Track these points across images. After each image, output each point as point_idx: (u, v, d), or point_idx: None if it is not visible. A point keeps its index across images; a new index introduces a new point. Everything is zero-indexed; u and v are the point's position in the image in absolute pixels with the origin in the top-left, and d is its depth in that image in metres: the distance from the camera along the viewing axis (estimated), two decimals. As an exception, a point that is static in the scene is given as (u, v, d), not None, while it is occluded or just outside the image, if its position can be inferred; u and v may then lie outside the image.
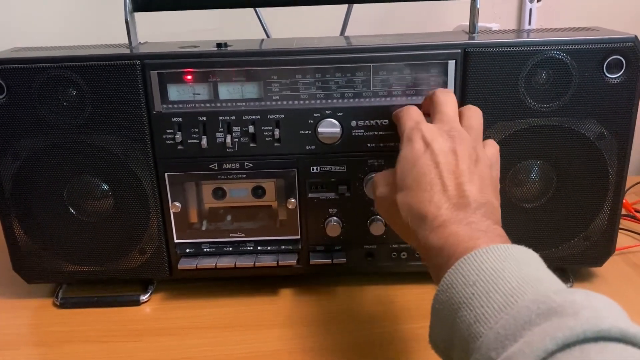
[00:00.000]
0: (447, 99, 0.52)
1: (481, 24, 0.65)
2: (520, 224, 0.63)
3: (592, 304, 0.32)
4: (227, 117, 0.61)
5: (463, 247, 0.40)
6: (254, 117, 0.61)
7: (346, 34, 0.84)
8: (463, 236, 0.41)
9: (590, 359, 0.29)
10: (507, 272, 0.37)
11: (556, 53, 0.58)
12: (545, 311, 0.33)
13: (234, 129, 0.61)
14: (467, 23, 0.64)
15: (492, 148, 0.52)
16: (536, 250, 0.41)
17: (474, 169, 0.47)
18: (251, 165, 0.63)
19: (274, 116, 0.61)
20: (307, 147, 0.62)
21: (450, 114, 0.51)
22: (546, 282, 0.37)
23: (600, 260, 0.66)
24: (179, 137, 0.61)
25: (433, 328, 0.42)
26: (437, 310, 0.40)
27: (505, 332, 0.33)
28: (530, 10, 0.95)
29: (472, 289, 0.37)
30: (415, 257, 0.66)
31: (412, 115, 0.52)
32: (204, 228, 0.66)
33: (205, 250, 0.66)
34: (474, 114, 0.52)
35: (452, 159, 0.47)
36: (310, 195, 0.64)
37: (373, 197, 0.55)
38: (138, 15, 0.64)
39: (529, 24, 0.96)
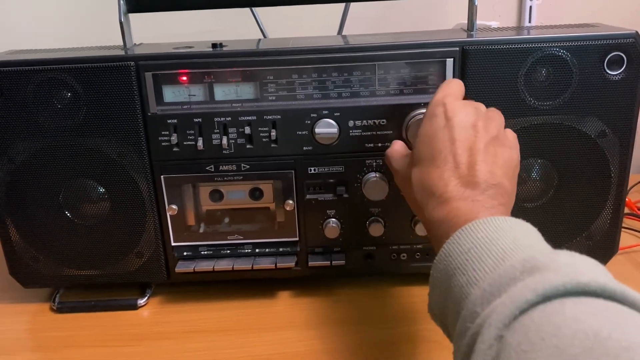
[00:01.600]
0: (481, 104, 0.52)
1: (480, 22, 0.64)
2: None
3: (575, 262, 0.34)
4: (223, 118, 0.60)
5: (463, 219, 0.41)
6: (250, 117, 0.60)
7: (343, 34, 0.83)
8: (464, 210, 0.42)
9: (568, 309, 0.30)
10: (502, 240, 0.38)
11: (556, 50, 0.57)
12: (529, 269, 0.34)
13: (230, 130, 0.60)
14: (466, 21, 0.64)
15: (511, 134, 0.52)
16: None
17: (492, 148, 0.47)
18: (248, 166, 0.62)
19: (270, 117, 0.60)
20: (305, 148, 0.61)
21: (481, 106, 0.51)
22: (538, 247, 0.38)
23: (603, 260, 0.65)
24: (174, 139, 0.60)
25: (431, 296, 0.42)
26: (435, 279, 0.41)
27: (491, 289, 0.34)
28: (530, 7, 0.94)
29: (466, 256, 0.38)
30: (415, 259, 0.66)
31: (446, 88, 0.52)
32: (201, 231, 0.65)
33: (202, 253, 0.65)
34: (497, 113, 0.52)
35: (472, 134, 0.47)
36: (308, 196, 0.63)
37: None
38: (134, 17, 0.64)
39: (529, 21, 0.95)
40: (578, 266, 0.33)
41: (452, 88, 0.52)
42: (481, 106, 0.51)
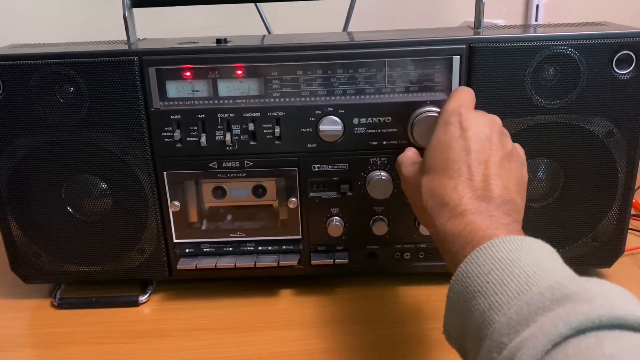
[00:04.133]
0: None
1: (487, 20, 0.63)
2: (527, 224, 0.60)
3: (606, 292, 0.32)
4: (226, 115, 0.59)
5: (480, 235, 0.40)
6: (254, 114, 0.59)
7: (349, 30, 0.83)
8: (481, 225, 0.41)
9: (605, 345, 0.28)
10: (523, 262, 0.37)
11: (564, 48, 0.56)
12: (559, 297, 0.32)
13: (234, 126, 0.60)
14: (473, 19, 0.63)
15: (521, 150, 0.51)
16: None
17: (505, 163, 0.46)
18: (251, 163, 0.61)
19: (274, 113, 0.59)
20: (308, 145, 0.61)
21: (497, 119, 0.50)
22: (561, 272, 0.36)
23: (609, 261, 0.64)
24: (177, 135, 0.60)
25: (447, 317, 0.41)
26: (452, 300, 0.40)
27: (518, 318, 0.33)
28: (537, 6, 0.94)
29: (487, 278, 0.37)
30: (419, 258, 0.65)
31: (459, 97, 0.51)
32: (203, 228, 0.65)
33: (205, 250, 0.65)
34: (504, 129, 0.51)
35: (487, 147, 0.46)
36: (311, 194, 0.63)
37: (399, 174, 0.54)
38: (138, 12, 0.63)
39: (536, 20, 0.94)
40: (611, 296, 0.32)
41: (465, 97, 0.51)
42: (496, 119, 0.50)
